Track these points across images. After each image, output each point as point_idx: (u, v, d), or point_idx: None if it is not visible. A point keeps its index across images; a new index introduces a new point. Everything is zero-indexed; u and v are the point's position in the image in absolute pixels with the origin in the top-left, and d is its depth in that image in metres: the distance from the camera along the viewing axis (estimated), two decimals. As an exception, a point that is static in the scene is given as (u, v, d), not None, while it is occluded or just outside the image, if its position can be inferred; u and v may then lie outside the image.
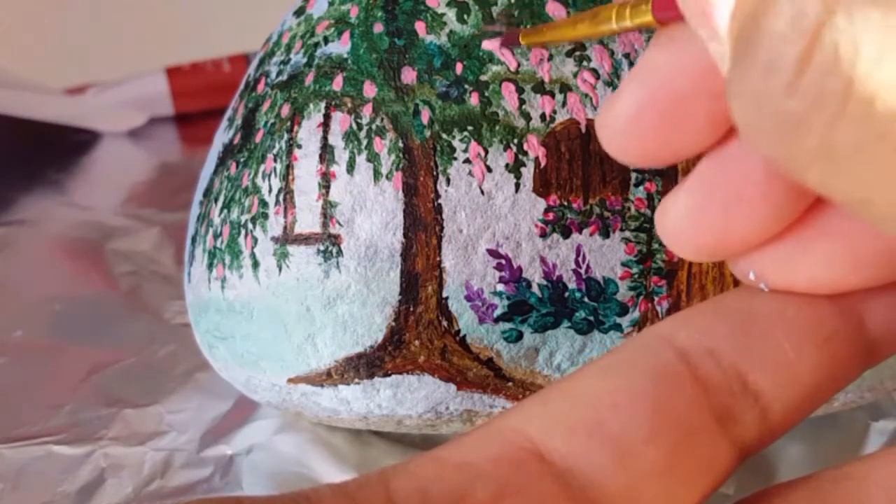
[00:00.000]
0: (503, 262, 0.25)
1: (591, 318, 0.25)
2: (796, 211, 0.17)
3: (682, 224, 0.17)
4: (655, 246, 0.25)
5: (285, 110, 0.27)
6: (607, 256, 0.25)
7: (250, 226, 0.27)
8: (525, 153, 0.25)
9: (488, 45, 0.25)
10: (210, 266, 0.28)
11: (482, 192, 0.25)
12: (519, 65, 0.25)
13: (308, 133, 0.26)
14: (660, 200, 0.25)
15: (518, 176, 0.25)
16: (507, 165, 0.25)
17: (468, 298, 0.25)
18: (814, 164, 0.13)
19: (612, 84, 0.25)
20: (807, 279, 0.17)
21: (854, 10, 0.12)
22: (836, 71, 0.12)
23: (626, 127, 0.17)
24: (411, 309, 0.25)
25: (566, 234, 0.25)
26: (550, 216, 0.25)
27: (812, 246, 0.17)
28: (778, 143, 0.14)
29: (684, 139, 0.17)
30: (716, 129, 0.17)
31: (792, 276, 0.17)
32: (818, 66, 0.13)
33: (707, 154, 0.17)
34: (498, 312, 0.25)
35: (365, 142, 0.26)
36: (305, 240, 0.26)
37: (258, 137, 0.27)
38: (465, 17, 0.26)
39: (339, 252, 0.25)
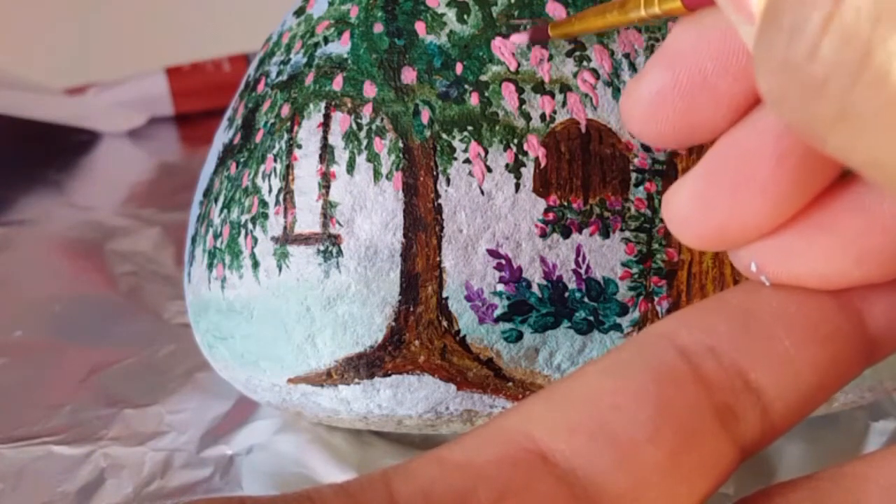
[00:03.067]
0: (503, 262, 0.25)
1: (591, 318, 0.25)
2: (802, 201, 0.17)
3: (687, 209, 0.17)
4: (655, 246, 0.25)
5: (285, 110, 0.27)
6: (607, 256, 0.25)
7: (250, 226, 0.27)
8: (525, 153, 0.25)
9: (517, 38, 0.25)
10: (210, 266, 0.28)
11: (482, 192, 0.25)
12: (519, 65, 0.25)
13: (308, 133, 0.26)
14: (660, 201, 0.25)
15: (518, 176, 0.25)
16: (507, 165, 0.25)
17: (468, 298, 0.25)
18: (833, 129, 0.14)
19: (611, 84, 0.25)
20: (808, 273, 0.17)
21: None
22: (855, 36, 0.13)
23: (648, 105, 0.17)
24: (411, 309, 0.25)
25: (566, 234, 0.25)
26: (550, 216, 0.25)
27: (815, 239, 0.17)
28: (800, 109, 0.14)
29: (705, 120, 0.17)
30: (736, 112, 0.17)
31: (793, 268, 0.17)
32: (838, 30, 0.13)
33: (716, 142, 0.17)
34: (498, 312, 0.25)
35: (365, 142, 0.26)
36: (305, 240, 0.26)
37: (258, 137, 0.27)
38: (465, 17, 0.26)
39: (339, 252, 0.25)
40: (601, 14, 0.20)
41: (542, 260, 0.25)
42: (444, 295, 0.25)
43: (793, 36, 0.13)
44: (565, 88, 0.25)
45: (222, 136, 0.30)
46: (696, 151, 0.25)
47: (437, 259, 0.25)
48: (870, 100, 0.13)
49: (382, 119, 0.26)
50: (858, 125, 0.13)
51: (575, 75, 0.25)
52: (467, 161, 0.25)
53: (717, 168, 0.17)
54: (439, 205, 0.25)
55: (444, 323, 0.25)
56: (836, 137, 0.14)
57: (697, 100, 0.17)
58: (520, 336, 0.25)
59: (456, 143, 0.25)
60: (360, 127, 0.26)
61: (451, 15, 0.26)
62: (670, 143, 0.18)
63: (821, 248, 0.17)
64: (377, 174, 0.25)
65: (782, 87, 0.14)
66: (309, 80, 0.27)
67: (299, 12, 0.28)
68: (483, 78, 0.25)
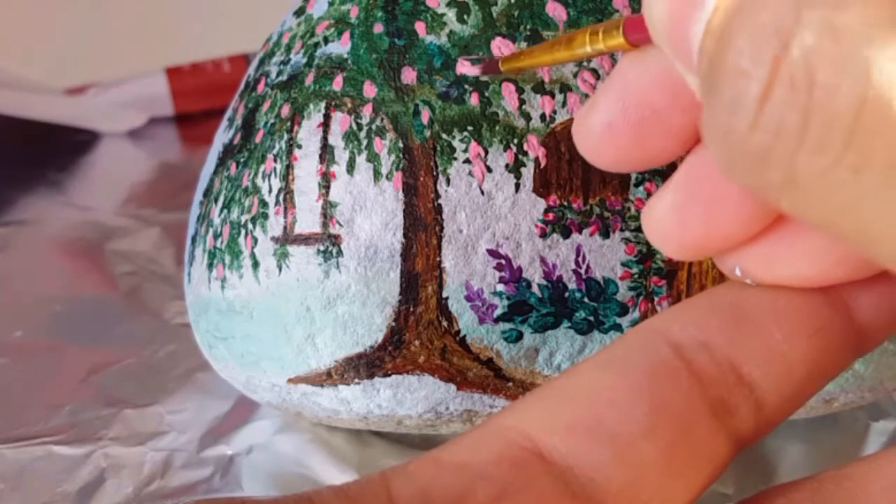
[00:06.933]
0: (503, 262, 0.25)
1: (591, 318, 0.25)
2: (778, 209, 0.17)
3: (667, 222, 0.18)
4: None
5: (285, 110, 0.27)
6: (607, 256, 0.25)
7: (250, 226, 0.27)
8: (525, 153, 0.25)
9: (469, 71, 0.25)
10: (210, 266, 0.28)
11: (482, 192, 0.25)
12: (519, 65, 0.25)
13: (308, 133, 0.26)
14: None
15: (518, 176, 0.25)
16: (507, 165, 0.25)
17: (468, 298, 0.25)
18: (783, 193, 0.14)
19: (612, 84, 0.25)
20: (792, 274, 0.18)
21: (807, 43, 0.12)
22: (794, 103, 0.13)
23: (600, 136, 0.18)
24: (411, 309, 0.25)
25: (566, 234, 0.25)
26: (550, 216, 0.25)
27: (796, 242, 0.17)
28: (749, 175, 0.14)
29: (657, 148, 0.17)
30: (688, 139, 0.17)
31: (777, 271, 0.18)
32: (777, 99, 0.13)
33: (691, 153, 0.17)
34: (498, 312, 0.25)
35: (365, 142, 0.26)
36: (305, 240, 0.26)
37: (258, 137, 0.27)
38: (465, 17, 0.26)
39: (339, 252, 0.25)
40: (549, 50, 0.20)
41: (542, 260, 0.25)
42: (444, 295, 0.25)
43: (733, 108, 0.13)
44: (565, 88, 0.25)
45: (222, 136, 0.30)
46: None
47: (437, 259, 0.25)
48: (814, 165, 0.13)
49: (382, 119, 0.26)
50: (806, 190, 0.13)
51: (575, 75, 0.25)
52: (467, 161, 0.25)
53: (694, 180, 0.17)
54: (439, 205, 0.25)
55: (444, 323, 0.25)
56: (787, 201, 0.14)
57: (647, 131, 0.17)
58: (520, 336, 0.25)
59: (456, 143, 0.25)
60: (360, 127, 0.26)
61: (451, 15, 0.26)
62: (624, 169, 0.18)
63: (802, 252, 0.17)
64: (377, 174, 0.25)
65: (729, 156, 0.14)
66: (309, 80, 0.27)
67: (299, 12, 0.28)
68: (483, 78, 0.25)
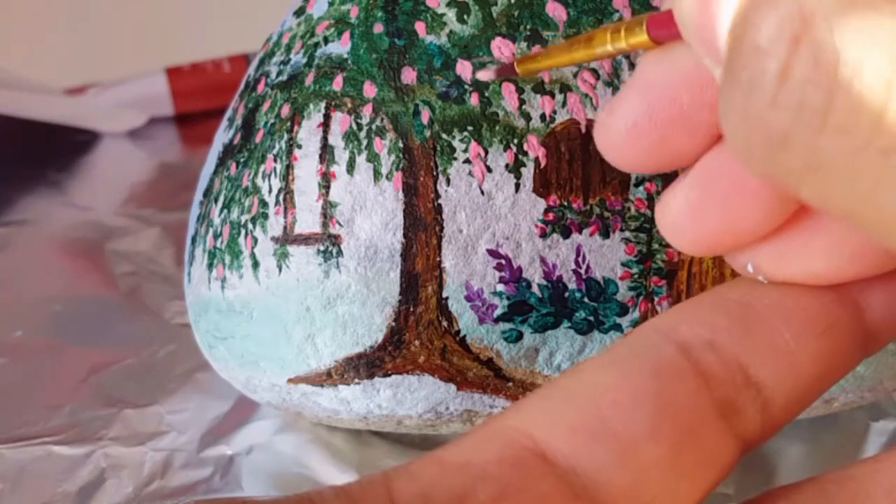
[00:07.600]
0: (503, 262, 0.25)
1: (591, 318, 0.25)
2: (794, 205, 0.17)
3: (682, 218, 0.17)
4: (655, 246, 0.25)
5: (285, 110, 0.27)
6: (607, 256, 0.25)
7: (250, 226, 0.27)
8: (525, 153, 0.25)
9: (483, 74, 0.25)
10: (210, 266, 0.28)
11: (482, 192, 0.25)
12: (519, 65, 0.25)
13: (308, 133, 0.26)
14: (660, 200, 0.25)
15: (518, 176, 0.25)
16: (507, 165, 0.25)
17: (468, 298, 0.25)
18: (804, 179, 0.13)
19: (612, 84, 0.25)
20: (804, 271, 0.17)
21: (832, 19, 0.12)
22: (816, 81, 0.12)
23: (625, 138, 0.17)
24: (411, 309, 0.25)
25: (566, 234, 0.25)
26: (550, 216, 0.25)
27: (809, 238, 0.17)
28: (768, 161, 0.14)
29: (681, 148, 0.17)
30: (713, 139, 0.17)
31: (790, 268, 0.17)
32: (798, 77, 0.13)
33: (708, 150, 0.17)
34: (498, 312, 0.25)
35: (365, 142, 0.26)
36: (305, 240, 0.26)
37: (258, 137, 0.27)
38: (465, 17, 0.26)
39: (339, 252, 0.25)
40: (568, 50, 0.20)
41: (542, 260, 0.25)
42: (444, 295, 0.25)
43: (752, 86, 0.13)
44: (565, 88, 0.25)
45: (222, 136, 0.30)
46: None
47: (437, 259, 0.25)
48: (837, 148, 0.13)
49: (382, 119, 0.26)
50: (828, 175, 0.13)
51: (575, 75, 0.25)
52: (467, 161, 0.25)
53: (710, 176, 0.17)
54: (439, 205, 0.25)
55: (444, 323, 0.25)
56: (808, 188, 0.14)
57: (673, 130, 0.17)
58: (520, 336, 0.25)
59: (456, 143, 0.25)
60: (360, 127, 0.26)
61: (451, 15, 0.26)
62: (649, 170, 0.18)
63: (815, 248, 0.17)
64: (377, 174, 0.25)
65: (747, 141, 0.14)
66: (309, 80, 0.27)
67: (299, 12, 0.28)
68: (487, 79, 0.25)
